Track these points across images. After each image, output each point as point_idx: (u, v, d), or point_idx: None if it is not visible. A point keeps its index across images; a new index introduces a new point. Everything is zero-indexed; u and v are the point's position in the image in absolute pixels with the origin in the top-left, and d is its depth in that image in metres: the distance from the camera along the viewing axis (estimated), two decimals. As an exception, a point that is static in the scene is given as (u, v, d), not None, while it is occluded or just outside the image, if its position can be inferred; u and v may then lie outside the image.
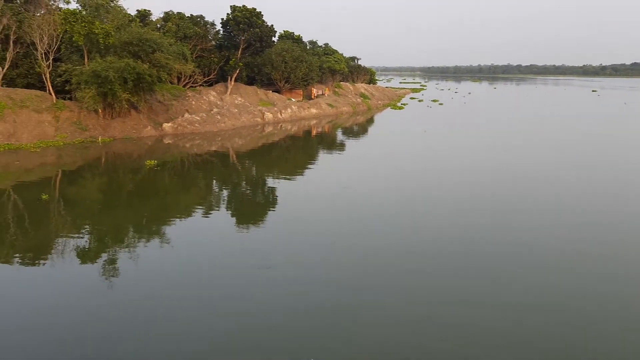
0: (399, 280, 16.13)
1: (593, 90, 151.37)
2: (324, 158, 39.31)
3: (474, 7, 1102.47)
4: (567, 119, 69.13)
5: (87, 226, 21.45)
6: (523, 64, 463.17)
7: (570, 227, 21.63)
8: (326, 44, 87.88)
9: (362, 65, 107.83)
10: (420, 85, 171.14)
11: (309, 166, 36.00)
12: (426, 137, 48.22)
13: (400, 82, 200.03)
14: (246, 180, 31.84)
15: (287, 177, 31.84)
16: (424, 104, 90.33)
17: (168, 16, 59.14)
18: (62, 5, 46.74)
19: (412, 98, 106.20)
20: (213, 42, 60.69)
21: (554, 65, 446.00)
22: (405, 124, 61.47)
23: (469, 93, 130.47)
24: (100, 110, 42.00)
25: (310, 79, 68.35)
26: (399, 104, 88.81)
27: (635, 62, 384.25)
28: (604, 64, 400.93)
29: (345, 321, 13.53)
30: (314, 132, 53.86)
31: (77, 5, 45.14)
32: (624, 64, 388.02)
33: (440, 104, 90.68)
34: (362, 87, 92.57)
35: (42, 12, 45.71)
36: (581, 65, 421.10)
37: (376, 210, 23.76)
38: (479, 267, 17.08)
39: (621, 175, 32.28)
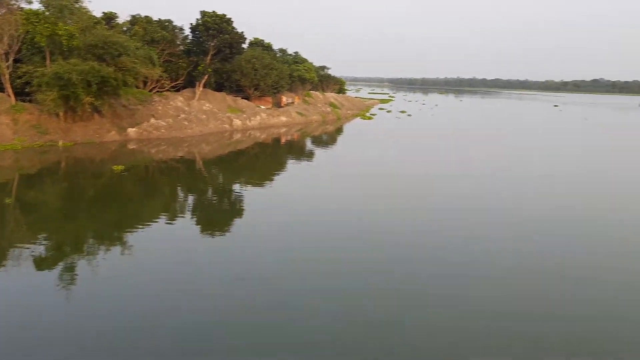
0: (367, 285, 15.85)
1: (555, 105, 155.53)
2: (292, 166, 38.94)
3: (441, 20, 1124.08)
4: (526, 132, 70.61)
5: (44, 233, 20.49)
6: (488, 78, 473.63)
7: (519, 228, 21.82)
8: (296, 53, 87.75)
9: (332, 74, 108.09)
10: (389, 97, 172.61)
11: (277, 174, 35.58)
12: (395, 147, 48.40)
13: (369, 93, 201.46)
14: (213, 187, 31.18)
15: (255, 184, 31.33)
16: (392, 115, 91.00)
17: (135, 19, 57.93)
18: (23, 5, 45.19)
19: (380, 109, 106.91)
20: (181, 47, 59.74)
21: (518, 80, 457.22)
22: (375, 134, 61.66)
23: (436, 105, 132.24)
24: (61, 114, 40.62)
25: (280, 86, 67.96)
26: (368, 114, 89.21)
27: (595, 79, 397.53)
28: (565, 80, 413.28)
29: (319, 334, 13.14)
30: (283, 140, 53.45)
31: (40, 5, 43.74)
32: (584, 80, 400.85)
33: (409, 115, 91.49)
34: (331, 96, 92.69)
35: (3, 11, 44.11)
36: (544, 80, 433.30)
37: (344, 217, 23.51)
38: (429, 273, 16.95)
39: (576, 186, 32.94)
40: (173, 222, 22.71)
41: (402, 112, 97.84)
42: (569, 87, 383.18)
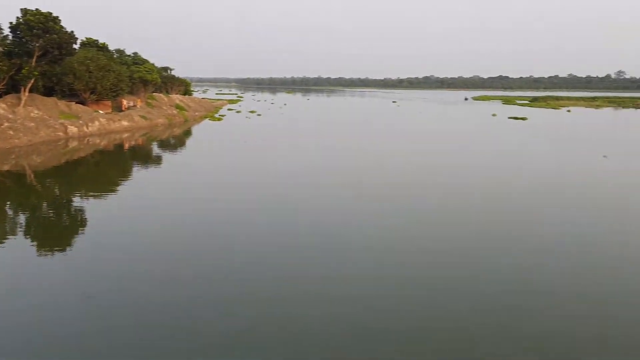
0: (221, 293, 15.58)
1: (393, 101, 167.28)
2: (138, 173, 36.93)
3: (285, 20, 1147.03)
4: (372, 126, 75.12)
5: None
6: (332, 77, 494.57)
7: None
8: (135, 53, 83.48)
9: (176, 75, 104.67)
10: (237, 97, 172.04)
11: (121, 182, 33.47)
12: (245, 147, 48.27)
13: (217, 94, 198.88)
14: (48, 201, 28.35)
15: (96, 194, 29.13)
16: (242, 115, 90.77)
17: (-61, 16, 50.54)
18: None
19: (229, 109, 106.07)
20: (0, 49, 53.46)
21: (359, 78, 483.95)
22: (225, 135, 60.91)
23: (285, 104, 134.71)
24: None
25: (119, 89, 64.06)
26: (217, 115, 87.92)
27: (426, 76, 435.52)
28: (401, 78, 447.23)
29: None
30: (126, 146, 50.49)
31: None
32: (418, 77, 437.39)
33: (259, 114, 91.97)
34: (177, 98, 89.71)
35: None
36: (382, 78, 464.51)
37: (194, 224, 22.88)
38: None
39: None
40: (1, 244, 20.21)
41: (252, 111, 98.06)
42: (404, 84, 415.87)
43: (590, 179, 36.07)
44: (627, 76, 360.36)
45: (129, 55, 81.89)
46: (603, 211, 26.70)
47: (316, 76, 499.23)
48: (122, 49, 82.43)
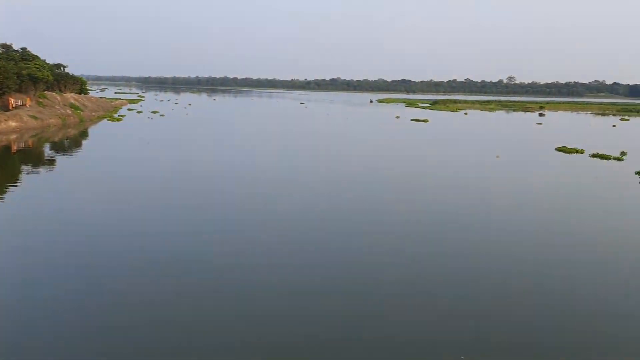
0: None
1: (301, 103, 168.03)
2: (27, 177, 33.72)
3: (189, 20, 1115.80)
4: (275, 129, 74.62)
5: None
6: (239, 77, 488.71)
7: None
8: (24, 49, 77.01)
9: (71, 73, 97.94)
10: (138, 96, 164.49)
11: (7, 189, 30.33)
12: (149, 149, 45.86)
13: (116, 93, 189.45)
14: None
15: (-23, 204, 26.11)
16: (143, 115, 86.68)
17: None
18: None
19: (130, 109, 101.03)
20: None
21: (266, 79, 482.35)
22: (124, 136, 57.61)
23: (190, 104, 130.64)
24: None
25: (5, 87, 58.64)
26: (116, 116, 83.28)
27: (333, 78, 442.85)
28: (308, 79, 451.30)
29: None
30: (14, 148, 46.20)
31: None
32: (325, 79, 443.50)
33: (162, 115, 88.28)
34: (71, 97, 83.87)
35: None
36: (290, 79, 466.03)
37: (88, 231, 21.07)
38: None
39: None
40: None
41: (154, 112, 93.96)
42: (311, 86, 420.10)
43: (491, 177, 37.86)
44: (517, 82, 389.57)
45: (16, 51, 75.42)
46: (489, 200, 27.99)
47: (222, 76, 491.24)
48: (8, 43, 75.91)
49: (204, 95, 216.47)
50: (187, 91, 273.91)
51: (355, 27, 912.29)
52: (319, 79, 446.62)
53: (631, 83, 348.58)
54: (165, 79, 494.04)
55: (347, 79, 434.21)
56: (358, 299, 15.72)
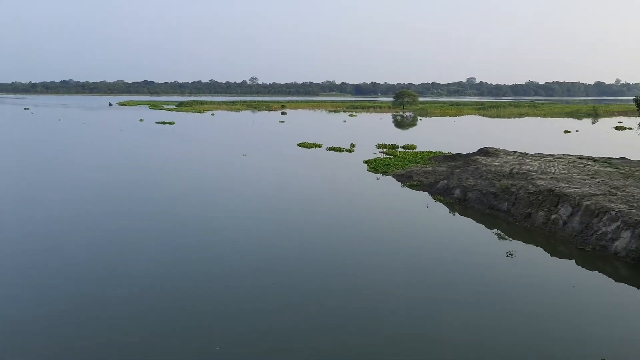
0: None
1: (26, 109, 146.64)
2: None
3: None
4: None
5: None
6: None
7: None
8: None
9: None
10: None
11: None
12: None
13: None
14: None
15: None
16: None
17: None
18: None
19: None
20: None
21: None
22: None
23: None
24: None
25: None
26: None
27: (64, 80, 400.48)
28: (34, 82, 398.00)
29: None
30: None
31: None
32: (54, 81, 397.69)
33: None
34: None
35: None
36: (10, 82, 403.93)
37: None
38: None
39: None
40: None
41: None
42: (38, 89, 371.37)
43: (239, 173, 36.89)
44: (260, 82, 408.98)
45: None
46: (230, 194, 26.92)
47: None
48: None
49: None
50: None
51: (93, 19, 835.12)
52: (47, 81, 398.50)
53: (355, 82, 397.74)
54: None
55: (82, 81, 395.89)
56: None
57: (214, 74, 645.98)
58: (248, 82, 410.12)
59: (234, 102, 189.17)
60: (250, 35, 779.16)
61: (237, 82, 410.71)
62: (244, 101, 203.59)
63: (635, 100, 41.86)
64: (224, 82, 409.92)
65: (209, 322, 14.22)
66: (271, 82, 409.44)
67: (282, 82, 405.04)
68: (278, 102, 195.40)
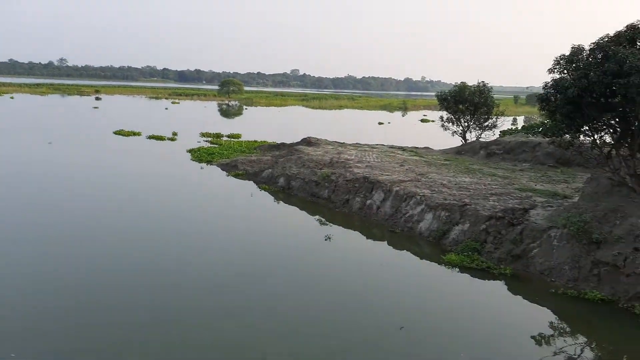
0: None
1: None
2: None
3: None
4: None
5: None
6: None
7: None
8: None
9: None
10: None
11: None
12: None
13: None
14: None
15: None
16: None
17: None
18: None
19: None
20: None
21: None
22: None
23: None
24: None
25: None
26: None
27: None
28: None
29: None
30: None
31: None
32: None
33: None
34: None
35: None
36: None
37: None
38: None
39: None
40: None
41: None
42: None
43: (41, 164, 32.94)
44: (70, 64, 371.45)
45: None
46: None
47: None
48: None
49: None
50: None
51: None
52: None
53: (179, 69, 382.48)
54: None
55: None
56: None
57: (13, 53, 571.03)
58: (56, 63, 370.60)
59: (38, 85, 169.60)
60: (58, 10, 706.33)
61: (43, 62, 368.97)
62: (52, 84, 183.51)
63: (437, 96, 46.49)
64: (26, 62, 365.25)
65: None
66: (83, 65, 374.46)
67: (97, 65, 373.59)
68: (92, 86, 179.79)
